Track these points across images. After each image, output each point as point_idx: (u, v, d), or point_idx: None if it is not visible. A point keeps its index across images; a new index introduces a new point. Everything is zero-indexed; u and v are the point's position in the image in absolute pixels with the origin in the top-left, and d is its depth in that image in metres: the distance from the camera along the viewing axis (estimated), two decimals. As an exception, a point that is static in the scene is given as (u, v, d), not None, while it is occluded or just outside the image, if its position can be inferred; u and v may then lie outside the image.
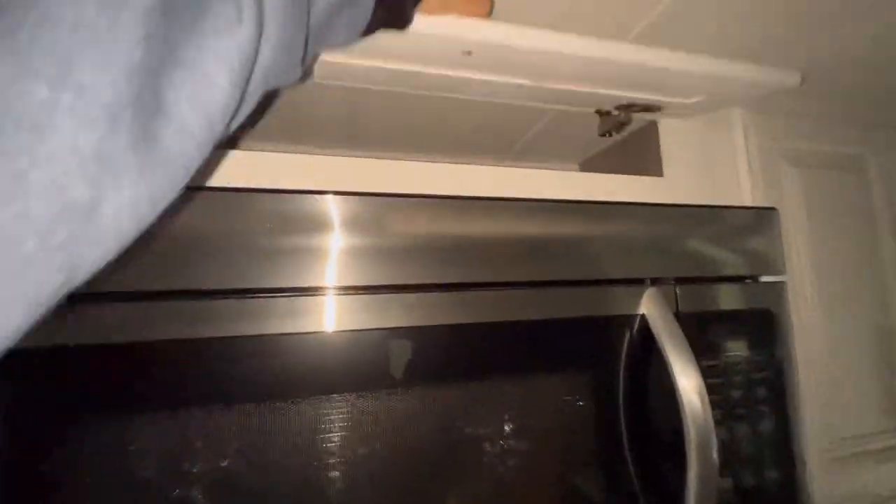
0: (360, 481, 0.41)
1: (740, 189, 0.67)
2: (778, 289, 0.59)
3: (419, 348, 0.44)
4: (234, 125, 0.26)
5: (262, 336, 0.40)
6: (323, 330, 0.42)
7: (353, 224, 0.43)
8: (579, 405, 0.50)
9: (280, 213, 0.41)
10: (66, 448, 0.35)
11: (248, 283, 0.40)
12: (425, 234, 0.46)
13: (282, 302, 0.41)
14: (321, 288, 0.42)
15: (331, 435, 0.41)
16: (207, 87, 0.21)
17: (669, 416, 0.48)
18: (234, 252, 0.40)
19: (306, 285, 0.41)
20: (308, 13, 0.28)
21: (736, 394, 0.54)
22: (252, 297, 0.40)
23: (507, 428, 0.47)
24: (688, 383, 0.47)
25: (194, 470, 0.38)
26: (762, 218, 0.60)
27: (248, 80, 0.24)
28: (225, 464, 0.38)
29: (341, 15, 0.33)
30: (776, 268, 0.59)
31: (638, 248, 0.53)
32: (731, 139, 0.68)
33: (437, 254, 0.46)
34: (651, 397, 0.51)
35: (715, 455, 0.47)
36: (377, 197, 0.45)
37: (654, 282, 0.53)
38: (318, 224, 0.42)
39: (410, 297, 0.44)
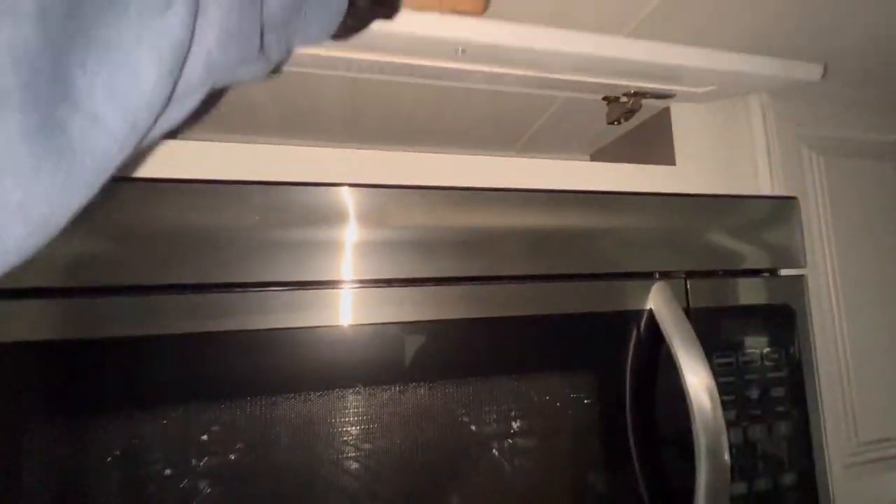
0: (371, 474, 0.41)
1: (758, 178, 0.63)
2: (797, 283, 0.56)
3: (430, 343, 0.43)
4: (174, 119, 0.23)
5: (276, 329, 0.40)
6: (339, 324, 0.41)
7: (367, 216, 0.43)
8: (585, 403, 0.48)
9: (294, 205, 0.41)
10: (77, 442, 0.35)
11: (263, 276, 0.40)
12: (437, 227, 0.45)
13: (297, 295, 0.41)
14: (336, 282, 0.42)
15: (343, 428, 0.40)
16: (130, 74, 0.18)
17: (678, 415, 0.46)
18: (248, 246, 0.40)
19: (320, 279, 0.41)
20: (260, 3, 0.25)
21: (751, 393, 0.51)
22: (267, 291, 0.40)
23: (513, 424, 0.46)
24: (697, 381, 0.45)
25: (206, 463, 0.38)
26: (781, 207, 0.57)
27: (182, 70, 0.21)
28: (236, 457, 0.38)
29: (306, 7, 0.30)
30: (796, 260, 0.56)
31: (648, 240, 0.51)
32: (749, 125, 0.65)
33: (448, 247, 0.45)
34: (659, 396, 0.49)
35: (726, 457, 0.44)
36: (392, 189, 0.44)
37: (664, 275, 0.51)
38: (332, 216, 0.42)
39: (422, 291, 0.44)
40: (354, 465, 0.40)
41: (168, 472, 0.37)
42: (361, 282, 0.42)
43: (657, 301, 0.49)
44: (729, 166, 0.62)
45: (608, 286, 0.49)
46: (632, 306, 0.49)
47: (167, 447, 0.37)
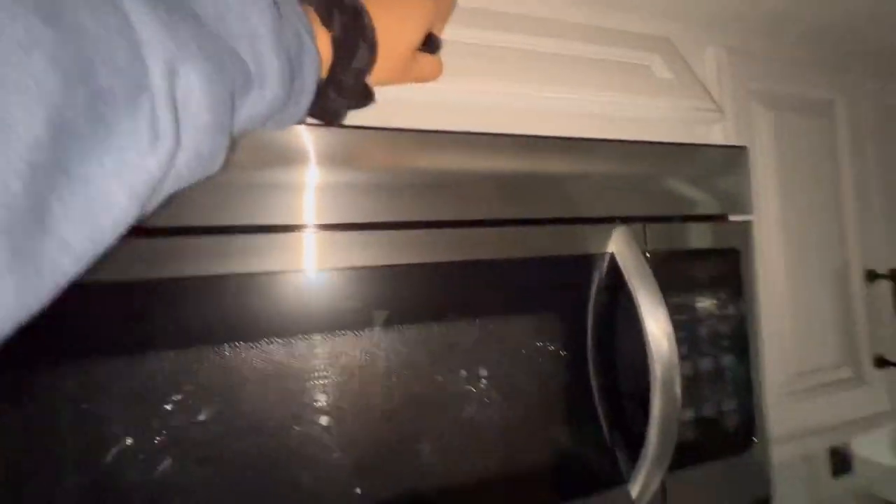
0: (334, 420, 0.40)
1: (711, 131, 0.66)
2: (745, 228, 0.59)
3: (395, 287, 0.43)
4: (135, 221, 0.24)
5: (234, 275, 0.38)
6: (302, 268, 0.40)
7: (329, 157, 0.41)
8: (549, 346, 0.49)
9: (250, 145, 0.38)
10: (24, 394, 0.33)
11: (220, 220, 0.37)
12: (401, 169, 0.43)
13: (256, 239, 0.38)
14: (298, 226, 0.40)
15: (307, 374, 0.40)
16: (103, 205, 0.20)
17: (637, 353, 0.48)
18: (202, 188, 0.36)
19: (281, 222, 0.39)
20: (230, 124, 0.27)
21: (700, 330, 0.54)
22: (227, 235, 0.38)
23: (478, 368, 0.46)
24: (654, 321, 0.47)
25: (165, 420, 0.36)
26: (732, 156, 0.59)
27: (153, 192, 0.22)
28: (198, 408, 0.37)
29: (269, 121, 0.33)
30: (744, 207, 0.59)
31: (608, 186, 0.52)
32: (704, 81, 0.66)
33: (413, 189, 0.43)
34: (619, 335, 0.51)
35: (678, 390, 0.48)
36: (353, 129, 0.42)
37: (624, 220, 0.52)
38: (291, 157, 0.40)
39: (387, 235, 0.42)
40: (317, 411, 0.40)
41: (122, 423, 0.35)
42: (324, 226, 0.41)
43: (619, 245, 0.50)
44: (685, 120, 0.63)
45: (571, 230, 0.50)
46: (594, 250, 0.51)
47: (120, 397, 0.35)
